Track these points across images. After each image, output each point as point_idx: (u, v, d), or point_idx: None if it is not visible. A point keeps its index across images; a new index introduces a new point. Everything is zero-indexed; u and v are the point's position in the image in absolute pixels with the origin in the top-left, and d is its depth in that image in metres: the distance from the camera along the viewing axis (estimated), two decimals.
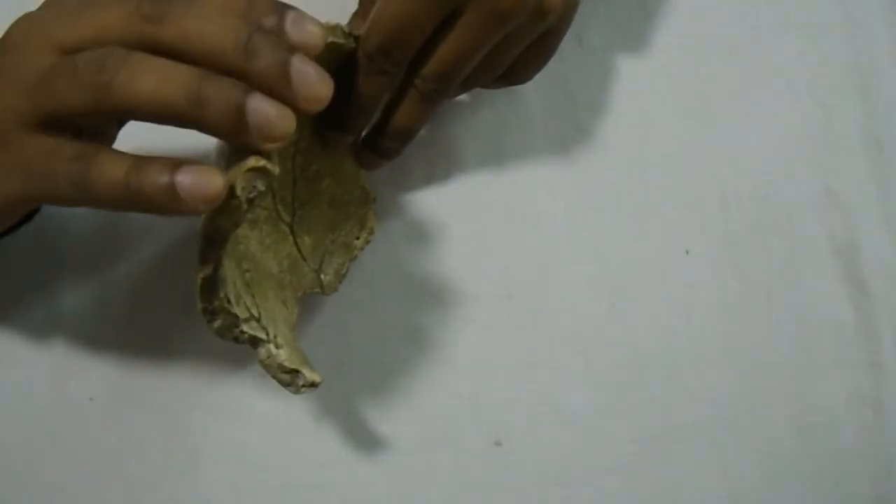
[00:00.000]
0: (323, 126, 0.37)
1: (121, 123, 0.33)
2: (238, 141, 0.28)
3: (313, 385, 0.33)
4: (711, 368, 0.42)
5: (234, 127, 0.28)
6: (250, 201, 0.30)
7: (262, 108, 0.28)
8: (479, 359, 0.41)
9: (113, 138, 0.33)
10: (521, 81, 0.39)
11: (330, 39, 0.33)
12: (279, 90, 0.28)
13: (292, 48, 0.29)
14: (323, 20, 0.32)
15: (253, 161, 0.29)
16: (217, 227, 0.30)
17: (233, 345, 0.33)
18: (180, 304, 0.39)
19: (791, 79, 0.46)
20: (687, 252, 0.43)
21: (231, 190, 0.29)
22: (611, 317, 0.42)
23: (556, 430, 0.41)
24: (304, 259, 0.38)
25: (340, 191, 0.39)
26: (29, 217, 0.36)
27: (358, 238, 0.39)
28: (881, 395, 0.43)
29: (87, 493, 0.38)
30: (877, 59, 0.47)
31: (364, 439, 0.40)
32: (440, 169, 0.43)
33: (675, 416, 0.42)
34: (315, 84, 0.29)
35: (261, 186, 0.29)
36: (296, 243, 0.38)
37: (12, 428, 0.38)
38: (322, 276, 0.39)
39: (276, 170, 0.29)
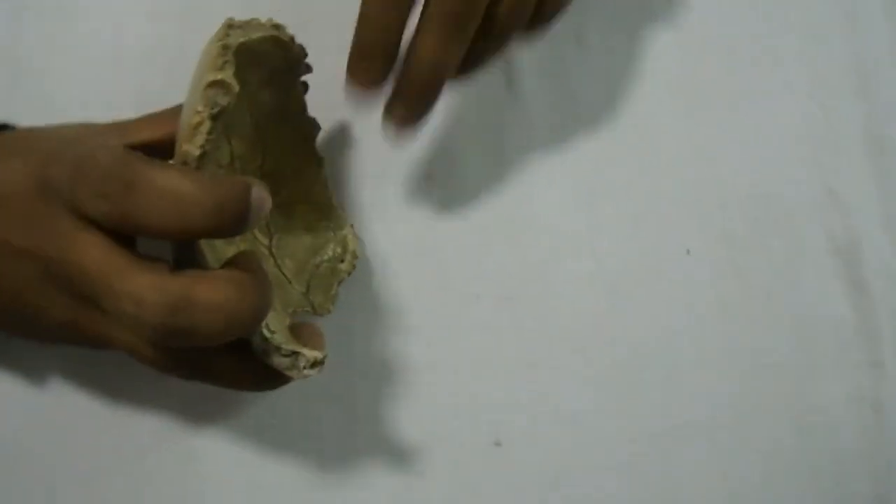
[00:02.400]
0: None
1: None
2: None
3: (316, 364, 0.31)
4: (711, 368, 0.42)
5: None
6: (214, 118, 0.30)
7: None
8: (479, 359, 0.41)
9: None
10: (548, 20, 0.37)
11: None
12: None
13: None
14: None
15: (210, 75, 0.29)
16: (184, 151, 0.30)
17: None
18: None
19: (791, 79, 0.46)
20: (687, 252, 0.43)
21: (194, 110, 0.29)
22: (610, 316, 0.42)
23: (556, 430, 0.41)
24: (290, 282, 0.38)
25: (314, 217, 0.39)
26: None
27: (343, 262, 0.39)
28: (881, 395, 0.43)
29: (88, 493, 0.38)
30: (877, 60, 0.46)
31: (364, 439, 0.40)
32: (440, 169, 0.42)
33: (675, 416, 0.42)
34: None
35: (222, 101, 0.30)
36: (277, 266, 0.38)
37: (12, 427, 0.38)
38: (311, 299, 0.38)
39: (235, 86, 0.30)
